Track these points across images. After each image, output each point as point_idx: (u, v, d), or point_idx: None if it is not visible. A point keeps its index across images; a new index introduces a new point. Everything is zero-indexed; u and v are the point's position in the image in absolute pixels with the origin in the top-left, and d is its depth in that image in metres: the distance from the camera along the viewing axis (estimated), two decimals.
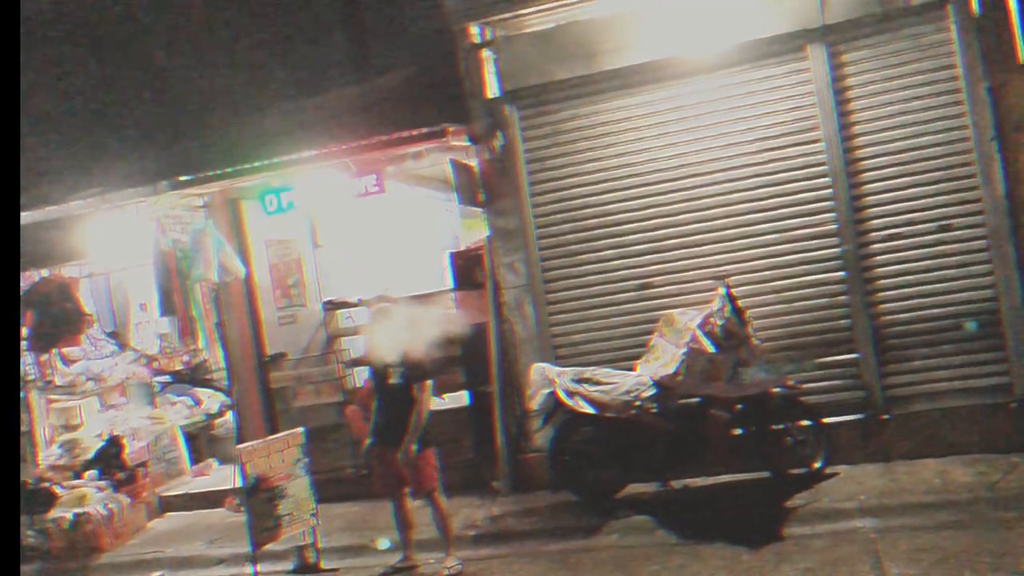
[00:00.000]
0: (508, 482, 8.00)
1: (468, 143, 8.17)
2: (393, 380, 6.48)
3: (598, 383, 7.18)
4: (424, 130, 7.78)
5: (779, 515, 6.46)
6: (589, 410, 7.06)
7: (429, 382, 6.49)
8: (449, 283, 8.81)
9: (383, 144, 7.94)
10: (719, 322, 6.87)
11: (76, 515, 8.36)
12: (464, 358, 8.59)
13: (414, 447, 6.35)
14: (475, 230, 9.23)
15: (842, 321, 7.47)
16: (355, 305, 9.28)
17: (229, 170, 8.32)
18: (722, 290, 6.99)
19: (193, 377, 11.04)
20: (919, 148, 7.27)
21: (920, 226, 7.30)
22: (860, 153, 7.40)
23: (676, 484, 7.40)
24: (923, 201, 7.29)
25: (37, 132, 9.57)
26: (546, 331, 8.09)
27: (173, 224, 8.99)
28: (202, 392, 10.96)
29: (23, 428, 9.97)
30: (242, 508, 6.90)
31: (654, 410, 7.02)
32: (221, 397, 10.76)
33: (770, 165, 7.56)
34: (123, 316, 10.97)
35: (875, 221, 7.40)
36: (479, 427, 8.33)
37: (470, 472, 8.05)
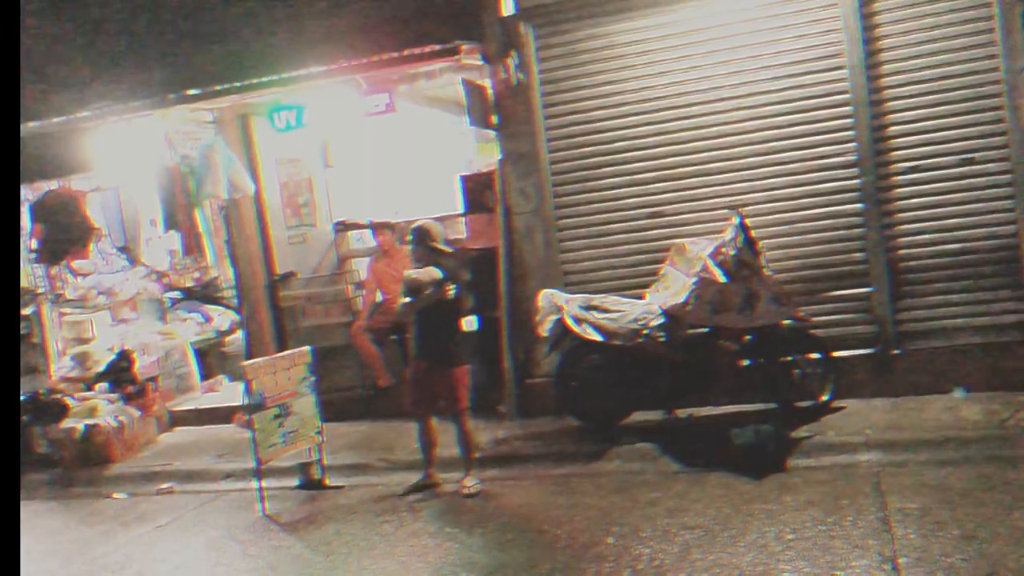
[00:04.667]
0: (514, 407, 8.03)
1: (482, 63, 7.97)
2: (451, 295, 6.41)
3: (606, 311, 7.13)
4: (436, 47, 7.60)
5: (783, 447, 6.44)
6: (596, 337, 7.02)
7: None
8: (460, 207, 8.70)
9: (395, 61, 7.77)
10: (731, 252, 6.76)
11: (87, 426, 8.46)
12: (473, 283, 8.50)
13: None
14: (488, 154, 9.09)
15: (857, 254, 7.34)
16: (365, 227, 9.21)
17: (238, 84, 8.19)
18: (736, 219, 6.85)
19: (204, 294, 11.08)
20: (947, 78, 7.03)
21: (942, 159, 7.11)
22: (885, 81, 7.17)
23: (681, 413, 7.39)
24: (947, 133, 7.08)
25: (43, 42, 9.42)
26: (556, 257, 8.00)
27: (182, 139, 8.89)
28: (212, 309, 11.00)
29: (35, 340, 10.07)
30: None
31: (662, 339, 6.97)
32: (231, 315, 10.80)
33: (791, 92, 7.34)
34: (133, 231, 10.93)
35: (896, 152, 7.21)
36: (486, 352, 8.29)
37: (476, 396, 7.95)
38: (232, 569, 5.66)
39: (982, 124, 6.99)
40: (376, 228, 8.83)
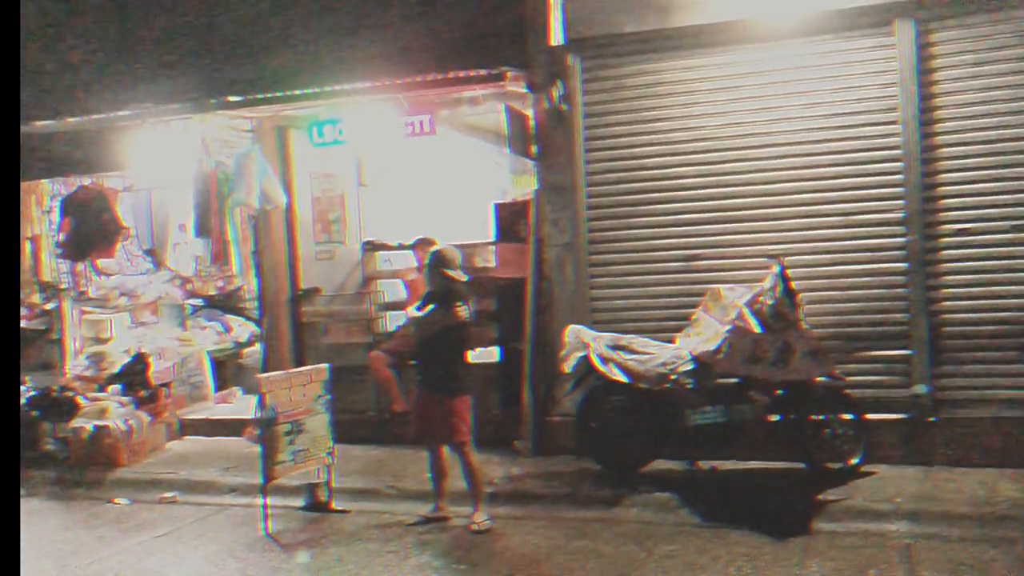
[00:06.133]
0: (531, 443, 7.80)
1: (526, 91, 7.87)
2: (462, 318, 6.28)
3: (634, 352, 6.92)
4: (481, 72, 7.50)
5: (810, 509, 6.18)
6: (622, 378, 6.80)
7: None
8: (491, 235, 8.55)
9: (439, 83, 7.69)
10: (769, 302, 6.54)
11: (96, 427, 8.35)
12: (499, 313, 8.36)
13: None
14: (523, 185, 8.97)
15: (898, 315, 7.08)
16: (394, 248, 9.08)
17: (279, 94, 8.13)
18: (776, 268, 6.63)
19: (226, 304, 10.98)
20: (1003, 140, 6.81)
21: (994, 223, 6.87)
22: (938, 140, 6.96)
23: (704, 465, 7.12)
24: (1000, 197, 6.84)
25: (85, 45, 9.45)
26: (585, 293, 7.81)
27: (218, 146, 8.83)
28: (233, 319, 10.89)
29: (54, 336, 10.02)
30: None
31: (690, 386, 6.74)
32: (252, 326, 10.67)
33: (841, 143, 7.13)
34: (162, 235, 10.88)
35: (946, 213, 6.98)
36: (507, 385, 8.13)
37: (493, 429, 7.81)
38: None
39: None
40: (416, 246, 8.71)
